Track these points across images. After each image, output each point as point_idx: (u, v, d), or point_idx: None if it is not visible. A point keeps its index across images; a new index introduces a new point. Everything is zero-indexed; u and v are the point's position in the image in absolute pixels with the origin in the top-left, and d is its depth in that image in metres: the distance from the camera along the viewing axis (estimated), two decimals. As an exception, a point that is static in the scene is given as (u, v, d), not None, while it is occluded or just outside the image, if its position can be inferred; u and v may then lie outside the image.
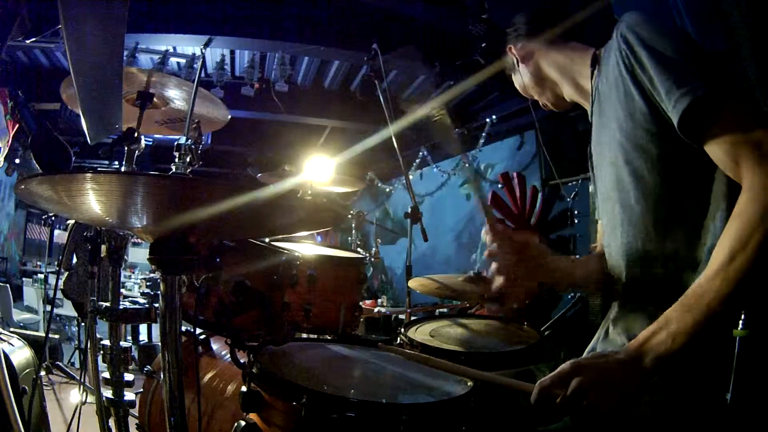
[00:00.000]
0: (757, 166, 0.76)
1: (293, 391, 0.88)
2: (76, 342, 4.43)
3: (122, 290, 2.21)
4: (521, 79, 1.27)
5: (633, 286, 1.03)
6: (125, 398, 1.57)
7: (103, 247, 1.60)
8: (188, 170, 1.60)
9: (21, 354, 1.85)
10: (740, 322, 0.89)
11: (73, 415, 1.85)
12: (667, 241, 0.95)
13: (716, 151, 0.82)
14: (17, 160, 5.90)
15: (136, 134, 1.60)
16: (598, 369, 0.80)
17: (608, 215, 1.08)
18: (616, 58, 0.94)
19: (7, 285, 5.33)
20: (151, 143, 6.15)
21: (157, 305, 1.32)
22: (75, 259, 2.66)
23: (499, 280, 1.10)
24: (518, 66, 1.25)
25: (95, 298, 1.77)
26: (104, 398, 1.59)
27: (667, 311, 0.82)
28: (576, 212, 3.88)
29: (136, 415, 1.60)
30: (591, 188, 1.23)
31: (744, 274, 0.75)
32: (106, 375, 1.59)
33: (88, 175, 0.68)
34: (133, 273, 7.64)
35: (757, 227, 0.74)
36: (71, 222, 1.89)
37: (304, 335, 1.32)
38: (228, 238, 1.12)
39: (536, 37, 1.19)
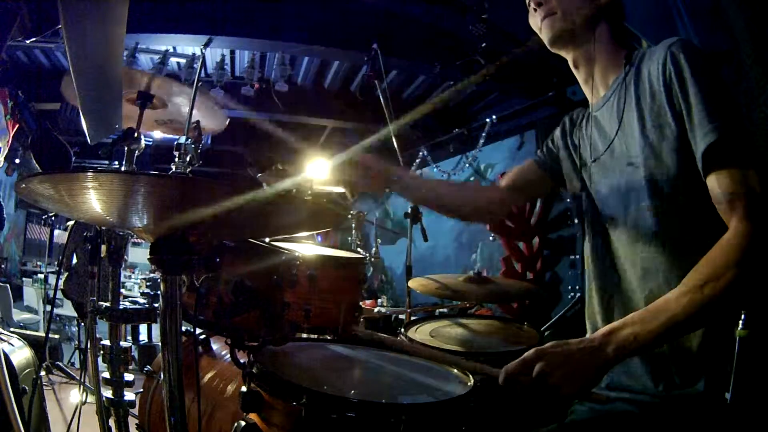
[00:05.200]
0: (748, 215, 0.84)
1: (293, 391, 0.88)
2: (76, 342, 4.42)
3: (122, 290, 2.21)
4: None
5: (638, 283, 1.04)
6: (125, 398, 1.57)
7: (103, 247, 1.59)
8: (188, 170, 1.60)
9: (21, 354, 1.85)
10: (740, 322, 0.90)
11: (73, 415, 1.85)
12: (673, 254, 0.98)
13: (717, 188, 0.88)
14: (17, 160, 5.89)
15: (136, 134, 1.60)
16: (560, 355, 0.87)
17: (613, 210, 1.09)
18: (657, 71, 0.98)
19: (7, 285, 5.33)
20: (151, 143, 6.15)
21: (157, 305, 1.32)
22: (75, 259, 2.66)
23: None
24: None
25: (95, 298, 1.77)
26: (104, 398, 1.59)
27: (635, 312, 0.89)
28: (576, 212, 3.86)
29: (136, 415, 1.60)
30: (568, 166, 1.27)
31: (710, 301, 0.83)
32: (106, 375, 1.58)
33: (89, 174, 0.68)
34: (133, 273, 7.65)
35: (732, 267, 0.82)
36: (71, 222, 1.89)
37: (304, 335, 1.32)
38: (228, 238, 1.12)
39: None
